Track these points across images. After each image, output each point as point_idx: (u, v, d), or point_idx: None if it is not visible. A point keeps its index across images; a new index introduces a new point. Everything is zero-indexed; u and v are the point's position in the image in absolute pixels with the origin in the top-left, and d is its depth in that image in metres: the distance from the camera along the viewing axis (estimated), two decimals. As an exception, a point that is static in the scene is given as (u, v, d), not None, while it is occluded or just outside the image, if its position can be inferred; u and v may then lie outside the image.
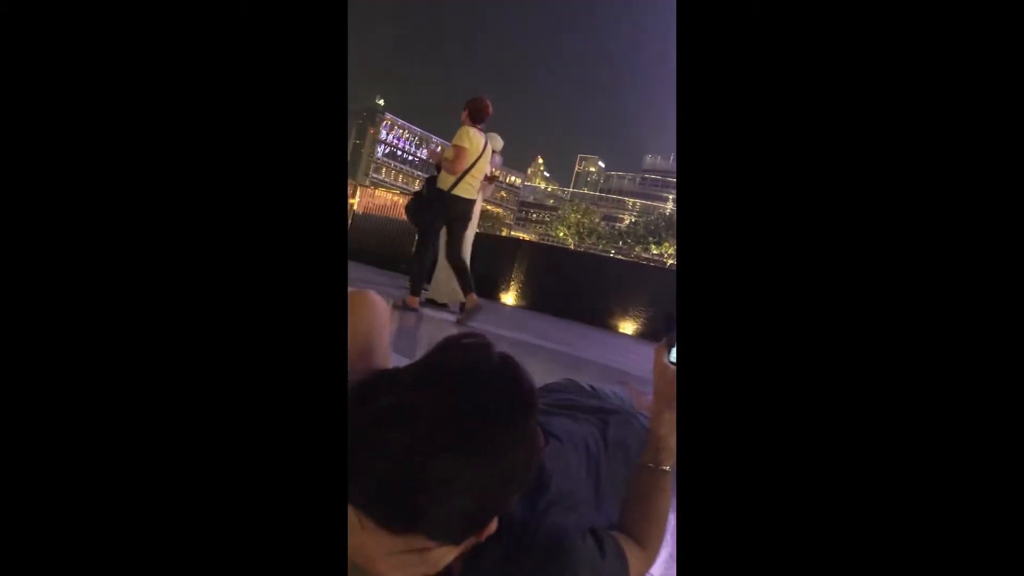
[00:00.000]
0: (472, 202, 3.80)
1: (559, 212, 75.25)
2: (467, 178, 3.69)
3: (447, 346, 0.54)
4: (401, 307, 3.69)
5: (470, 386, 0.50)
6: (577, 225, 59.06)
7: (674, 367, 0.73)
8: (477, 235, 4.15)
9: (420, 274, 3.81)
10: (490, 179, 3.89)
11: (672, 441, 0.73)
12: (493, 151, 3.90)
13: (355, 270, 6.50)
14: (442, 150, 3.75)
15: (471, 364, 0.52)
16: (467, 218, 3.83)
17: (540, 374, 2.58)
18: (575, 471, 0.72)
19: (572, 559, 0.58)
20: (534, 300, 7.31)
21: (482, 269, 7.40)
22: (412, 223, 3.92)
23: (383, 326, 0.70)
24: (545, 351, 3.37)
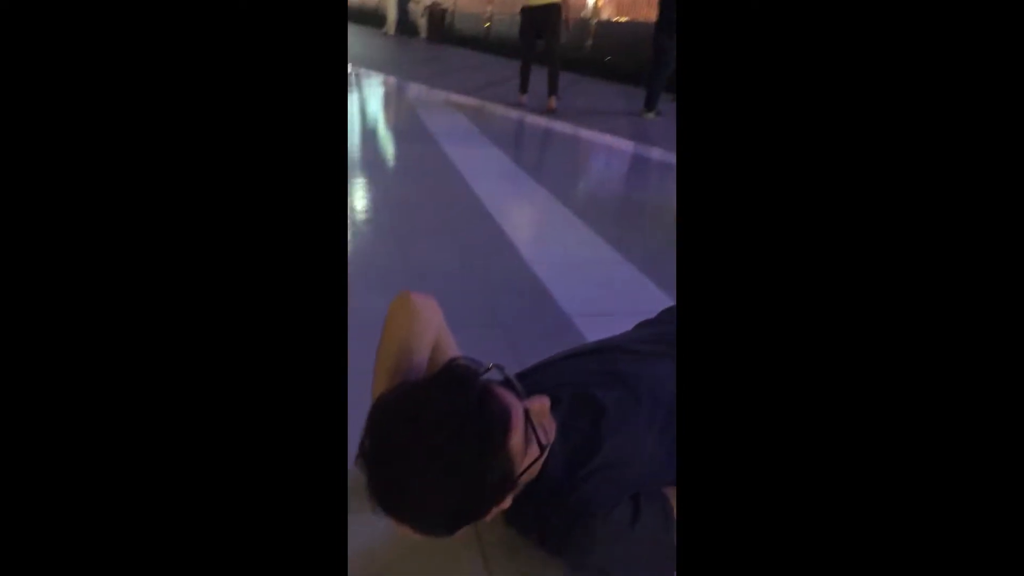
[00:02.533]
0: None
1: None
2: None
3: (447, 370, 0.61)
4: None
5: (449, 415, 0.56)
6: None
7: None
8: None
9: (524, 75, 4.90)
10: None
11: None
12: None
13: (586, 85, 5.88)
14: None
15: (455, 391, 0.58)
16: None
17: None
18: (643, 431, 0.75)
19: (593, 529, 0.64)
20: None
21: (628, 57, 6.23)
22: None
23: (423, 331, 0.72)
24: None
